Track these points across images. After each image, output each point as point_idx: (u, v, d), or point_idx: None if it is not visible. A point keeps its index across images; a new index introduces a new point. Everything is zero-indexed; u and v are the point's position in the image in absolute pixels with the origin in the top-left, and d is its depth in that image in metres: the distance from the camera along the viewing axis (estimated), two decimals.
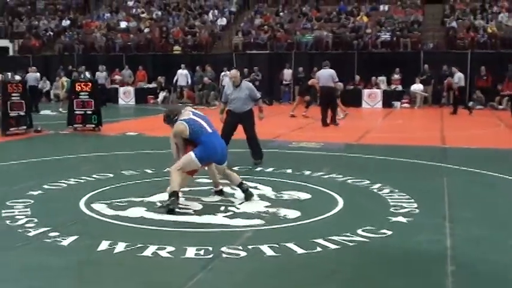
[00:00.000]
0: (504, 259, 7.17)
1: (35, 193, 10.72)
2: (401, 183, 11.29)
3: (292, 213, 9.27)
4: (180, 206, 9.67)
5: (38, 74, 31.90)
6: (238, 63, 35.16)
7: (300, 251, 7.46)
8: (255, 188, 11.03)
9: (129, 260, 7.24)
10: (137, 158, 14.91)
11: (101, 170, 12.74)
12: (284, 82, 34.25)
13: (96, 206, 9.76)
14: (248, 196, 10.10)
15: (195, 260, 7.16)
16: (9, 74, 20.92)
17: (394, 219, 8.97)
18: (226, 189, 10.87)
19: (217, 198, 10.33)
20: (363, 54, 34.22)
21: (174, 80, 34.50)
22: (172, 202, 9.35)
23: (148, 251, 7.46)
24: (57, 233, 8.22)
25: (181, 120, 9.81)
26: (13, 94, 19.70)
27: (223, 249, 7.49)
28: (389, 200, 10.12)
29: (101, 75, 34.09)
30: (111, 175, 12.31)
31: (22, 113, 19.91)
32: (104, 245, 7.72)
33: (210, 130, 9.88)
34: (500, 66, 30.81)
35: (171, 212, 9.23)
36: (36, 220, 8.91)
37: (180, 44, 38.51)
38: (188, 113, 10.01)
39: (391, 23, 36.82)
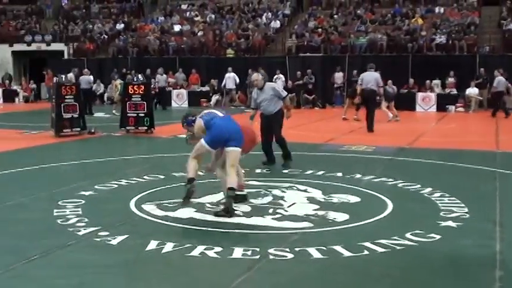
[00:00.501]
0: None
1: (87, 193, 10.87)
2: (452, 188, 11.18)
3: (341, 216, 9.25)
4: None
5: (91, 77, 32.26)
6: (292, 66, 35.15)
7: (347, 253, 7.44)
8: (305, 190, 11.03)
9: (176, 259, 7.32)
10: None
11: (151, 171, 12.86)
12: (336, 85, 34.08)
13: (146, 206, 9.85)
14: (227, 209, 9.45)
15: (241, 261, 7.20)
16: (63, 76, 21.12)
17: (443, 223, 8.89)
18: (276, 191, 10.89)
19: (266, 200, 10.33)
20: (417, 57, 33.87)
21: (223, 84, 34.57)
22: (189, 188, 9.37)
23: (196, 251, 7.52)
24: (106, 233, 8.33)
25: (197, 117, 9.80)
26: (67, 96, 19.96)
27: (270, 250, 7.51)
28: (439, 204, 10.02)
29: (161, 78, 34.15)
30: (162, 176, 12.41)
31: (76, 115, 20.16)
32: (153, 244, 7.80)
33: (220, 115, 9.74)
34: None
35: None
36: (86, 220, 9.05)
37: (233, 47, 38.61)
38: (204, 112, 10.01)
39: (447, 26, 36.43)
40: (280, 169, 13.25)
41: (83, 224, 8.84)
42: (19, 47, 45.26)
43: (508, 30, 35.22)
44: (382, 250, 7.61)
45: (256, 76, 13.94)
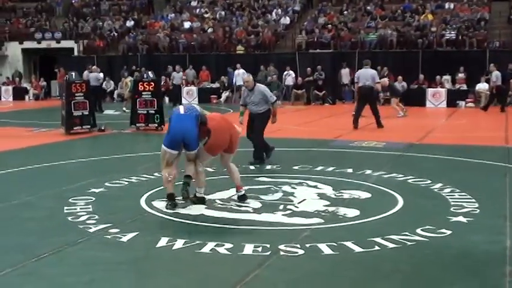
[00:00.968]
0: None
1: (97, 190, 10.89)
2: (462, 183, 11.16)
3: (352, 212, 9.25)
4: (240, 204, 9.75)
5: (100, 74, 32.29)
6: (302, 62, 35.15)
7: (358, 249, 7.44)
8: (315, 187, 11.04)
9: (187, 256, 7.33)
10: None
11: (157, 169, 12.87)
12: (342, 83, 33.85)
13: (156, 203, 9.86)
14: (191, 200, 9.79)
15: (252, 257, 7.20)
16: (73, 73, 21.12)
17: (454, 219, 8.87)
18: (286, 188, 10.89)
19: (276, 196, 10.33)
20: (427, 53, 33.80)
21: (234, 81, 34.55)
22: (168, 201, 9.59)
23: (207, 248, 7.53)
24: (117, 230, 8.35)
25: None
26: (77, 94, 20.00)
27: (281, 247, 7.51)
28: (450, 200, 10.01)
29: (177, 76, 34.11)
30: None
31: (86, 113, 20.19)
32: (163, 241, 7.81)
33: (181, 112, 9.74)
34: None
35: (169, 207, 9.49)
36: (97, 217, 9.07)
37: (243, 43, 38.59)
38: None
39: (457, 21, 36.31)
40: (290, 165, 13.22)
41: (93, 221, 8.86)
42: (29, 44, 45.39)
43: None
44: (393, 246, 7.60)
45: (247, 77, 14.01)
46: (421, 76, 32.07)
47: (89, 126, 20.27)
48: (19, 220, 9.07)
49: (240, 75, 34.25)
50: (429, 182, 11.44)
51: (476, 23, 36.00)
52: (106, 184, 11.42)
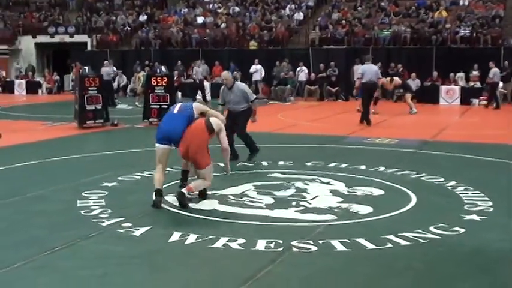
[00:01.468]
0: None
1: (110, 184, 10.92)
2: (476, 181, 11.12)
3: (365, 209, 9.23)
4: (253, 199, 9.75)
5: (112, 68, 32.29)
6: (315, 58, 35.06)
7: (370, 246, 7.43)
8: (328, 183, 11.02)
9: (199, 251, 7.34)
10: (212, 152, 14.97)
11: (174, 163, 12.79)
12: (355, 79, 33.69)
13: (169, 198, 9.85)
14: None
15: (265, 253, 7.20)
16: (87, 68, 21.17)
17: (467, 217, 8.84)
18: (299, 184, 10.88)
19: (289, 192, 10.31)
20: (441, 50, 33.62)
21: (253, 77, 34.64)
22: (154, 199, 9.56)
23: (219, 243, 7.54)
24: (130, 224, 8.37)
25: None
26: (90, 88, 20.02)
27: (294, 243, 7.51)
28: (463, 198, 9.97)
29: (199, 70, 34.00)
30: None
31: (99, 107, 20.21)
32: (176, 236, 7.83)
33: (174, 111, 9.98)
34: None
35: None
36: (110, 211, 9.09)
37: (256, 39, 38.53)
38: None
39: (471, 18, 36.08)
40: (303, 161, 13.20)
41: (106, 215, 8.88)
42: (42, 38, 45.54)
43: None
44: (406, 243, 7.59)
45: (227, 75, 13.67)
46: (435, 73, 31.92)
47: (102, 121, 20.29)
48: (32, 213, 9.10)
49: (258, 71, 34.33)
50: (443, 179, 11.40)
51: (491, 20, 35.76)
52: (119, 178, 11.45)
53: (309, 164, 13.07)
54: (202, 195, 9.88)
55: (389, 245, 7.51)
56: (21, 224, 8.53)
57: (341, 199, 9.85)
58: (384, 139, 16.95)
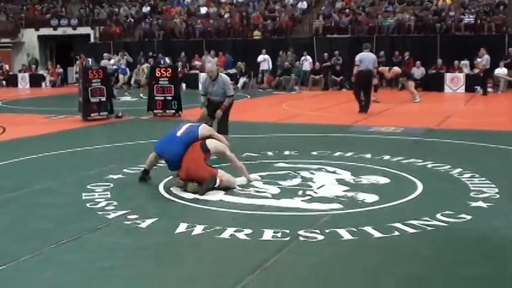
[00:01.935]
0: None
1: (115, 177, 10.91)
2: (482, 168, 11.09)
3: (371, 198, 9.22)
4: (259, 189, 9.74)
5: (111, 60, 32.13)
6: (319, 47, 35.01)
7: (377, 234, 7.41)
8: (334, 172, 11.00)
9: (206, 241, 7.33)
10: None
11: None
12: None
13: (175, 189, 9.85)
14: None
15: (271, 243, 7.19)
16: (90, 60, 21.17)
17: (474, 204, 8.82)
18: (304, 173, 10.86)
19: (295, 182, 10.30)
20: (445, 38, 33.54)
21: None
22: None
23: (226, 233, 7.53)
24: (136, 216, 8.35)
25: None
26: (94, 80, 19.98)
27: (300, 232, 7.50)
28: (469, 185, 9.95)
29: (212, 61, 33.81)
30: None
31: (103, 99, 20.17)
32: (182, 227, 7.81)
33: (177, 133, 10.35)
34: None
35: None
36: (115, 203, 9.08)
37: (260, 28, 38.46)
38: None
39: (475, 5, 35.97)
40: (308, 151, 13.18)
41: (112, 207, 8.87)
42: (45, 31, 45.57)
43: None
44: (413, 231, 7.57)
45: (212, 67, 13.58)
46: (439, 61, 31.84)
47: (106, 113, 20.26)
48: (38, 206, 9.10)
49: (266, 61, 34.25)
50: (448, 167, 11.38)
51: (495, 7, 35.67)
52: (124, 170, 11.44)
53: (314, 153, 13.05)
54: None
55: (396, 233, 7.49)
56: (27, 217, 8.53)
57: (347, 188, 9.83)
58: (388, 127, 16.93)
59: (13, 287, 6.01)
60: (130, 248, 7.13)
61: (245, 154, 12.85)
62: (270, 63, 34.52)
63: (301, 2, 40.87)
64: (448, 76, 31.04)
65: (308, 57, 34.07)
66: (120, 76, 32.38)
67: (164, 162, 10.41)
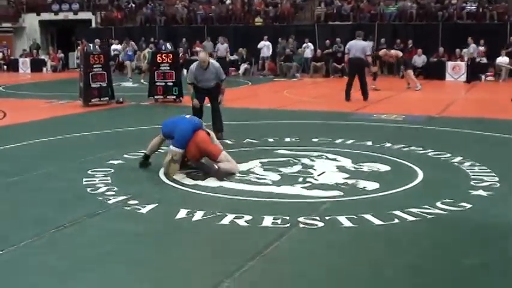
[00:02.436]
0: None
1: (116, 162, 10.90)
2: (483, 157, 11.08)
3: (371, 185, 9.21)
4: (259, 176, 9.74)
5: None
6: (321, 34, 34.96)
7: (377, 222, 7.41)
8: (335, 159, 11.00)
9: (206, 228, 7.33)
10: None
11: None
12: None
13: (175, 175, 9.84)
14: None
15: (271, 229, 7.19)
16: (91, 45, 21.15)
17: (474, 192, 8.82)
18: (305, 160, 10.86)
19: (295, 169, 10.29)
20: (447, 26, 33.50)
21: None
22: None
23: (226, 220, 7.53)
24: (136, 201, 8.35)
25: None
26: (95, 65, 19.93)
27: (301, 219, 7.49)
28: (470, 173, 9.94)
29: (222, 48, 33.71)
30: None
31: (104, 84, 20.13)
32: (182, 213, 7.81)
33: (186, 116, 10.92)
34: None
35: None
36: (116, 188, 9.08)
37: (261, 15, 38.38)
38: None
39: None
40: (309, 138, 13.17)
41: (112, 192, 8.87)
42: (46, 16, 45.47)
43: None
44: (413, 219, 7.57)
45: (204, 57, 13.56)
46: (441, 49, 31.78)
47: (107, 98, 20.24)
48: (39, 191, 9.11)
49: (267, 47, 34.16)
50: (449, 155, 11.37)
51: None
52: (125, 156, 11.43)
53: (315, 140, 13.04)
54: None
55: (396, 220, 7.49)
56: (27, 202, 8.53)
57: (348, 175, 9.82)
58: (390, 115, 16.92)
59: (13, 272, 6.01)
60: (130, 233, 7.14)
61: (246, 140, 12.85)
62: (270, 49, 34.42)
63: None
64: (450, 64, 30.96)
65: (310, 44, 34.01)
66: (127, 63, 32.25)
67: (166, 147, 10.41)
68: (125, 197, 8.57)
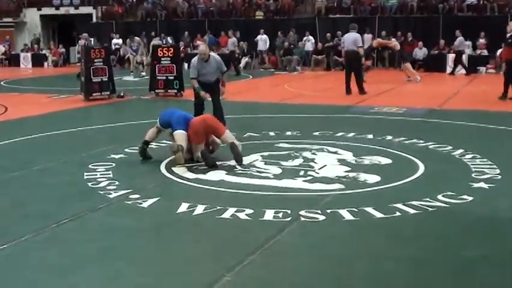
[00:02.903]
0: None
1: (117, 156, 10.91)
2: (484, 149, 11.07)
3: (372, 178, 9.21)
4: (260, 170, 9.74)
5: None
6: (321, 27, 34.93)
7: (378, 215, 7.41)
8: (336, 152, 10.99)
9: (207, 221, 7.33)
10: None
11: None
12: None
13: (176, 169, 9.86)
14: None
15: (273, 223, 7.19)
16: (92, 39, 21.17)
17: (475, 185, 8.82)
18: (306, 154, 10.86)
19: (297, 162, 10.29)
20: (448, 18, 33.45)
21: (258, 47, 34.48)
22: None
23: (227, 213, 7.53)
24: (137, 195, 8.35)
25: None
26: (96, 60, 19.92)
27: (302, 212, 7.49)
28: (471, 166, 9.94)
29: (231, 42, 33.64)
30: None
31: (105, 79, 20.12)
32: (184, 207, 7.81)
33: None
34: None
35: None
36: (117, 182, 9.08)
37: (262, 8, 38.35)
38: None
39: None
40: (310, 131, 13.17)
41: (113, 187, 8.88)
42: (47, 10, 45.40)
43: None
44: (414, 212, 7.57)
45: (205, 50, 13.50)
46: (442, 41, 31.76)
47: (108, 93, 20.23)
48: (39, 186, 9.11)
49: (263, 41, 34.12)
50: (450, 148, 11.36)
51: None
52: (126, 150, 11.43)
53: (316, 133, 13.04)
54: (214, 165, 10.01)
55: (398, 213, 7.49)
56: (29, 197, 8.53)
57: (349, 168, 9.82)
58: (391, 108, 16.91)
59: (14, 267, 6.01)
60: (131, 227, 7.14)
61: (247, 134, 12.85)
62: (267, 43, 34.36)
63: None
64: (450, 57, 30.87)
65: (310, 37, 34.00)
66: (131, 56, 32.17)
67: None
68: (126, 191, 8.57)
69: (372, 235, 6.84)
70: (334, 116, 15.87)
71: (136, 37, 32.03)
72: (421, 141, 12.03)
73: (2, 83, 27.68)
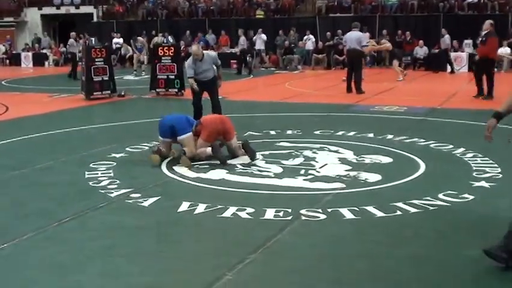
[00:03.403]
0: None
1: (118, 155, 10.91)
2: (485, 148, 10.98)
3: (373, 177, 9.21)
4: (261, 169, 9.74)
5: (80, 41, 31.87)
6: (322, 26, 34.94)
7: (379, 214, 7.41)
8: (337, 151, 10.99)
9: (208, 220, 7.33)
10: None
11: None
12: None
13: (178, 168, 9.86)
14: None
15: (274, 222, 7.20)
16: (93, 39, 21.13)
17: (476, 184, 8.82)
18: (307, 152, 10.86)
19: (297, 161, 10.30)
20: (448, 17, 33.46)
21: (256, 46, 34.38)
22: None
23: (228, 212, 7.54)
24: (138, 194, 8.36)
25: None
26: (97, 59, 19.92)
27: (303, 211, 7.50)
28: (472, 165, 9.94)
29: (241, 40, 33.46)
30: None
31: (106, 78, 20.12)
32: (185, 206, 7.82)
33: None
34: None
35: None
36: (118, 182, 9.09)
37: (262, 8, 38.35)
38: None
39: None
40: (311, 130, 13.17)
41: (114, 186, 8.88)
42: (48, 10, 45.42)
43: None
44: (415, 210, 7.57)
45: (197, 50, 13.52)
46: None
47: (109, 92, 20.24)
48: (41, 185, 9.12)
49: (261, 40, 34.05)
50: (451, 146, 11.36)
51: None
52: (127, 149, 11.44)
53: (317, 132, 13.04)
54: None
55: (398, 212, 7.49)
56: (30, 196, 8.54)
57: (349, 167, 9.83)
58: (391, 107, 16.91)
59: (15, 265, 6.02)
60: (132, 226, 7.15)
61: (248, 133, 12.84)
62: (264, 42, 34.30)
63: None
64: (451, 55, 30.89)
65: (311, 36, 34.00)
66: (135, 55, 32.07)
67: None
68: (127, 190, 8.58)
69: (372, 234, 6.83)
70: (335, 114, 15.88)
71: (139, 37, 32.02)
72: (422, 140, 12.03)
73: (3, 82, 27.70)
